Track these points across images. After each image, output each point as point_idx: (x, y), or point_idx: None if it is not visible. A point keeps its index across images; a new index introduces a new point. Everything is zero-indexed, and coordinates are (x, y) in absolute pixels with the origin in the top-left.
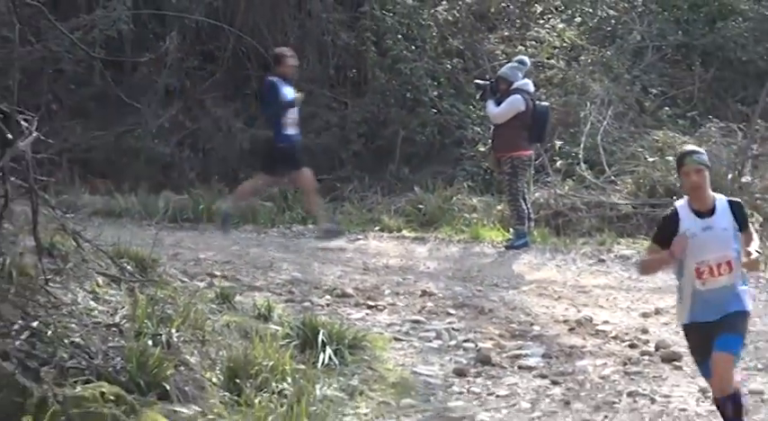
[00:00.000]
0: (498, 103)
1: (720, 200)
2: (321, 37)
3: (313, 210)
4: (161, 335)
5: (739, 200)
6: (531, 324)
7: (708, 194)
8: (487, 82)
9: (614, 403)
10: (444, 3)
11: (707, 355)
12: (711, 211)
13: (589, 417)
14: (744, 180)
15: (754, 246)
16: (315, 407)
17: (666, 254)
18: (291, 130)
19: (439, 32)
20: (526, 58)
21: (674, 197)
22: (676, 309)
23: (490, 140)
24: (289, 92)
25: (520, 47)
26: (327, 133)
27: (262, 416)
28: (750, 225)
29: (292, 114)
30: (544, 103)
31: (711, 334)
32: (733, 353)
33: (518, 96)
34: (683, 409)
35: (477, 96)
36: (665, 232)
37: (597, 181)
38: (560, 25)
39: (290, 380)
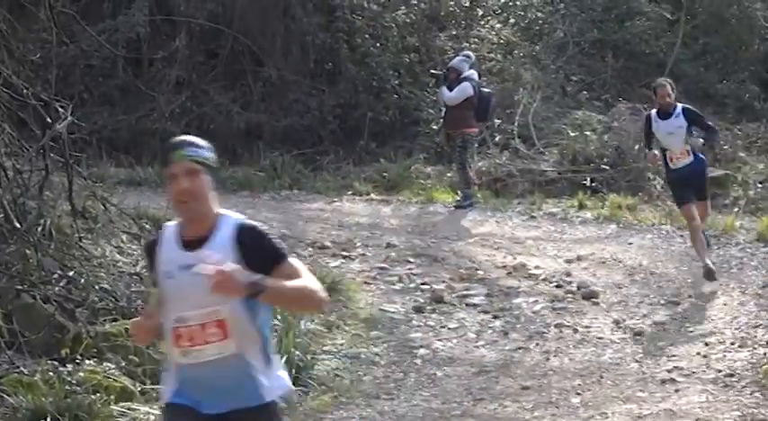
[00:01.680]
0: (450, 90)
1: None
2: (303, 37)
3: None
4: None
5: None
6: (476, 269)
7: (205, 211)
8: (440, 72)
9: (544, 333)
10: (403, 7)
11: None
12: (204, 240)
13: (524, 345)
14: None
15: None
16: (300, 339)
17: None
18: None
19: (399, 32)
20: (471, 53)
21: (591, 164)
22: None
23: (441, 120)
24: None
25: (465, 43)
26: (308, 115)
27: None
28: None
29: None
30: (487, 90)
31: None
32: None
33: (467, 84)
34: (600, 337)
35: (432, 84)
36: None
37: (529, 152)
38: (498, 25)
39: (279, 316)
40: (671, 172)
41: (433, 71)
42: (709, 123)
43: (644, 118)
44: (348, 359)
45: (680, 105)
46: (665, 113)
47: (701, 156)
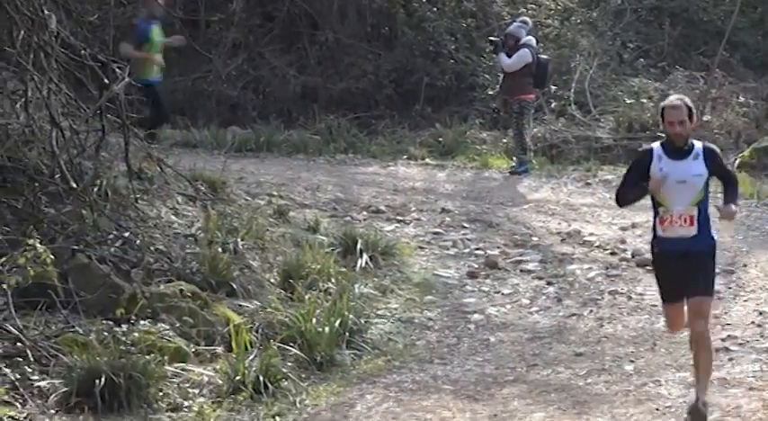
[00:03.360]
0: (509, 56)
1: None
2: (360, 1)
3: None
4: (229, 243)
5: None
6: (531, 235)
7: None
8: (498, 39)
9: (598, 300)
10: None
11: None
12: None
13: (577, 312)
14: (705, 119)
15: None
16: (354, 303)
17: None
18: None
19: None
20: (528, 19)
21: (647, 132)
22: None
23: (498, 86)
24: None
25: (522, 9)
26: (364, 79)
27: (311, 309)
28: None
29: None
30: (545, 57)
31: None
32: None
33: (526, 50)
34: (654, 305)
35: (491, 50)
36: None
37: (584, 119)
38: None
39: (333, 280)
40: (660, 242)
41: (491, 38)
42: (732, 173)
43: (639, 153)
44: (401, 323)
45: (699, 143)
46: (676, 150)
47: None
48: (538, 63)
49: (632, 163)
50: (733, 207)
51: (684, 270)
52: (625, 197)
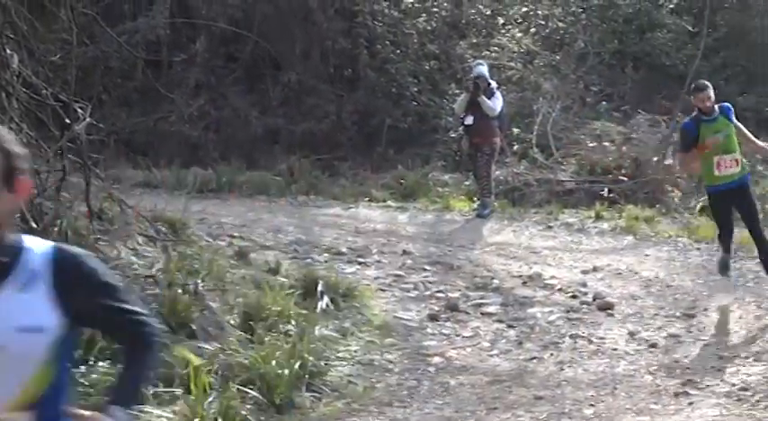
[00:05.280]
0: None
1: None
2: (323, 42)
3: None
4: (189, 285)
5: None
6: (492, 278)
7: None
8: (472, 83)
9: (558, 343)
10: (424, 14)
11: None
12: None
13: (538, 355)
14: (667, 162)
15: None
16: (314, 345)
17: None
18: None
19: (419, 39)
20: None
21: (609, 175)
22: None
23: (466, 128)
24: None
25: (485, 52)
26: (327, 120)
27: (271, 351)
28: None
29: None
30: None
31: None
32: None
33: (498, 93)
34: (615, 349)
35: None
36: None
37: (547, 162)
38: (518, 34)
39: (294, 322)
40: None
41: (469, 86)
42: None
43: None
44: (362, 365)
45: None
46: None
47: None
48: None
49: None
50: None
51: None
52: None
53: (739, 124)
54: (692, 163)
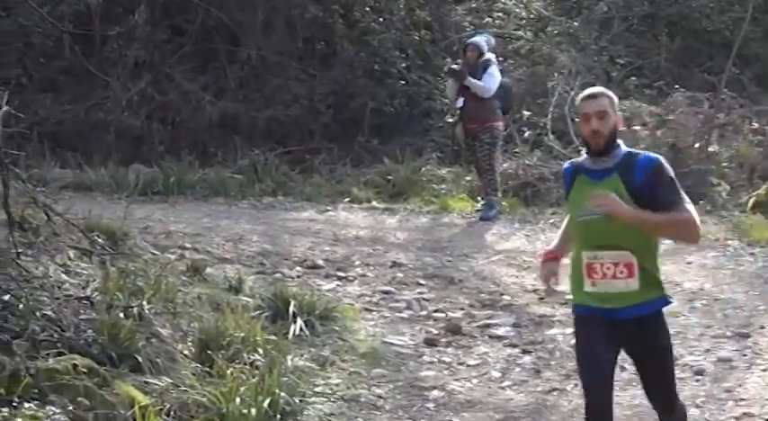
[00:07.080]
0: (472, 75)
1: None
2: (289, 10)
3: None
4: (132, 307)
5: None
6: (501, 294)
7: None
8: (460, 68)
9: None
10: None
11: None
12: None
13: (559, 386)
14: (711, 149)
15: None
16: (286, 378)
17: None
18: None
19: (406, 4)
20: (491, 37)
21: None
22: None
23: (459, 111)
24: None
25: (487, 18)
26: (296, 105)
27: (234, 386)
28: None
29: None
30: (506, 79)
31: None
32: None
33: (494, 67)
34: None
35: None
36: None
37: (565, 151)
38: None
39: (261, 351)
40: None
41: (452, 67)
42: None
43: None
44: (345, 402)
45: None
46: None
47: None
48: (500, 85)
49: None
50: None
51: None
52: None
53: None
54: None
